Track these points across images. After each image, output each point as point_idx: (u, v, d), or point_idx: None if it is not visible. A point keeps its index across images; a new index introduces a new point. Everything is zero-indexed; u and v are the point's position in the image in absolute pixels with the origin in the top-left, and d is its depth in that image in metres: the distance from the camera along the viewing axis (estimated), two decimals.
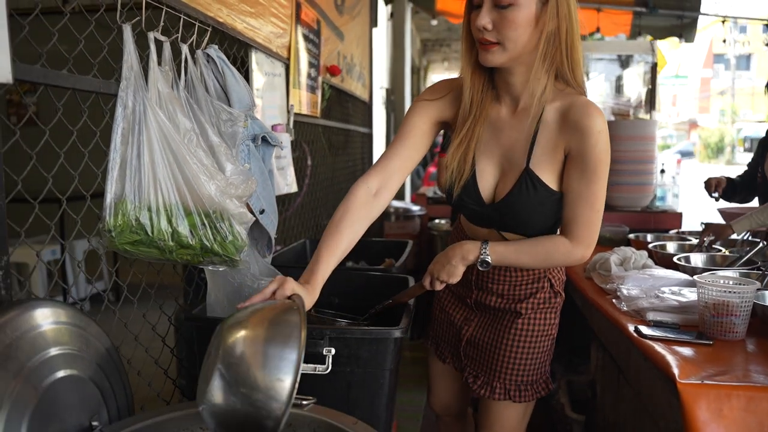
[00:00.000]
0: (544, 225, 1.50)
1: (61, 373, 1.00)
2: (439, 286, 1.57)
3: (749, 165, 2.96)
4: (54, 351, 1.00)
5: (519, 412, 1.62)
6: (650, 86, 3.70)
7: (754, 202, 2.85)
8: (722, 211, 2.96)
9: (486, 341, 1.63)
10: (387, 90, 6.48)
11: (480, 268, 1.49)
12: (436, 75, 17.19)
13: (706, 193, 2.93)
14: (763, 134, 2.92)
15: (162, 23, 1.44)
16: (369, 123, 5.09)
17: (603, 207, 1.42)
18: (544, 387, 1.63)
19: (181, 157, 1.30)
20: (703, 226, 2.78)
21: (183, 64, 1.50)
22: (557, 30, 1.34)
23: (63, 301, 3.58)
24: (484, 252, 1.47)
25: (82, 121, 1.28)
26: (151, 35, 1.38)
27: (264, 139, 1.72)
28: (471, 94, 1.46)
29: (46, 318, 1.00)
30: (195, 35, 1.60)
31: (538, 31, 1.34)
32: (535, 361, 1.60)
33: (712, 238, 2.44)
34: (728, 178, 2.93)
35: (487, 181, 1.50)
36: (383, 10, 5.93)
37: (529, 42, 1.34)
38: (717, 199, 2.90)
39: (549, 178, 1.44)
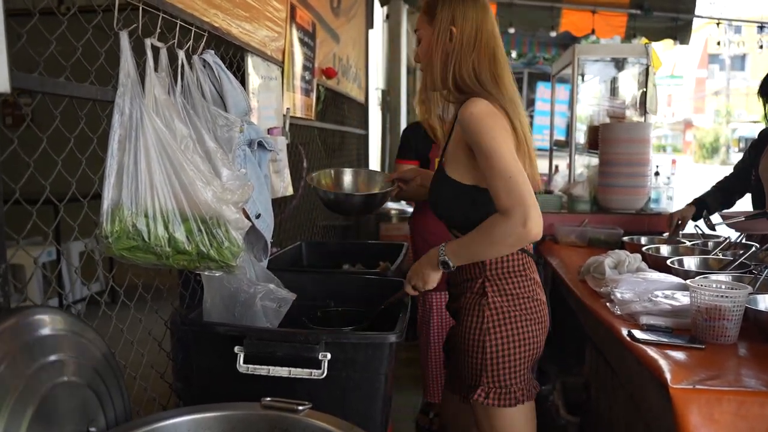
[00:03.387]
0: (467, 217, 1.58)
1: (58, 380, 1.01)
2: (422, 289, 1.67)
3: (736, 168, 2.91)
4: (52, 358, 1.00)
5: (483, 415, 1.61)
6: (644, 89, 3.70)
7: (747, 204, 2.82)
8: (724, 216, 2.91)
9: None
10: (383, 91, 6.47)
11: (443, 269, 1.59)
12: None
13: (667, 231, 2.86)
14: (758, 135, 2.85)
15: (159, 29, 1.45)
16: (365, 124, 5.09)
17: (518, 172, 1.43)
18: (497, 397, 1.57)
19: (178, 163, 1.30)
20: (697, 229, 2.78)
21: (179, 70, 1.50)
22: (450, 43, 1.57)
23: (60, 307, 3.57)
24: (441, 252, 1.57)
25: (80, 128, 1.29)
26: (148, 42, 1.39)
27: (260, 144, 1.73)
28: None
29: (43, 325, 1.00)
30: (191, 41, 1.60)
31: (438, 52, 1.59)
32: (470, 364, 1.60)
33: None
34: (698, 201, 2.87)
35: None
36: (379, 12, 5.93)
37: (437, 65, 1.60)
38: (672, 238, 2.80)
39: (455, 171, 1.60)
